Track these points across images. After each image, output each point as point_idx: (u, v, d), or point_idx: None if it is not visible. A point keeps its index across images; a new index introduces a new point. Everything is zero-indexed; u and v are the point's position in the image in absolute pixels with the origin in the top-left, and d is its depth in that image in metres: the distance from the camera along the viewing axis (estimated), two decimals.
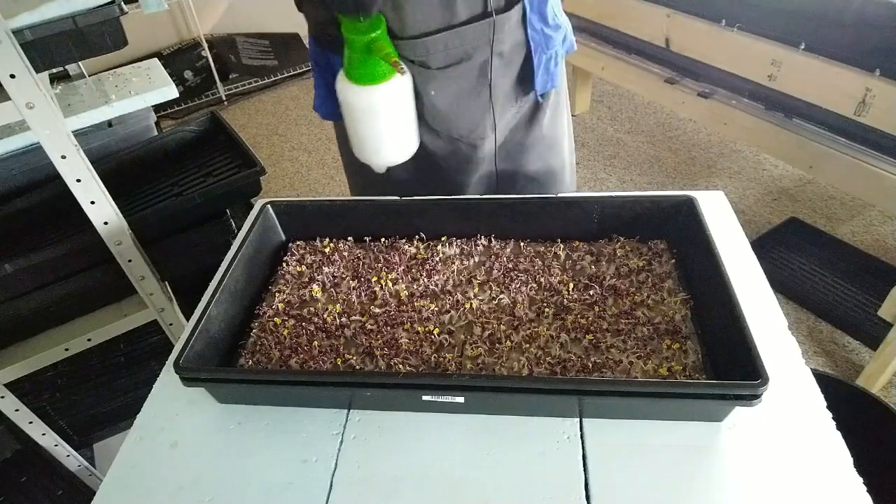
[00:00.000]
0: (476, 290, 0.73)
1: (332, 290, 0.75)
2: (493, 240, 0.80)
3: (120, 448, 0.62)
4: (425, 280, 0.74)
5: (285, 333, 0.69)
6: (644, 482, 0.54)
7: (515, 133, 0.93)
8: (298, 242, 0.83)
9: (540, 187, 1.00)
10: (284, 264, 0.80)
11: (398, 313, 0.70)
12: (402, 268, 0.76)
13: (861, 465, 0.53)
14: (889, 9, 1.39)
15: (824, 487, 0.52)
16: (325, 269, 0.77)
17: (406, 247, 0.80)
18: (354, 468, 0.58)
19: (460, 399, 0.58)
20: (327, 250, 0.81)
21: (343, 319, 0.71)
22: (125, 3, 0.96)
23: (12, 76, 0.76)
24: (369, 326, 0.69)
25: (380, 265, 0.77)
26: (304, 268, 0.79)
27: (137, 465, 0.60)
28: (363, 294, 0.74)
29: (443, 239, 0.80)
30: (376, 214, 0.81)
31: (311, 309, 0.72)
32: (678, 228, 0.74)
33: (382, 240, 0.82)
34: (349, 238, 0.82)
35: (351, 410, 0.63)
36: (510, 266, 0.75)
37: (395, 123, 0.81)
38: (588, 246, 0.77)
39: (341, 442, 0.60)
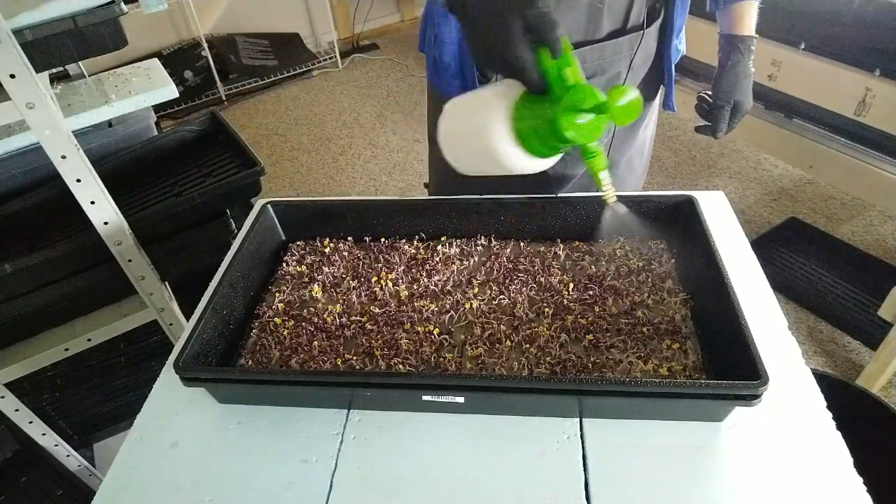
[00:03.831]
0: (476, 290, 0.73)
1: (332, 290, 0.75)
2: (492, 240, 0.79)
3: (120, 448, 0.62)
4: (425, 280, 0.74)
5: (285, 333, 0.69)
6: (644, 482, 0.54)
7: (622, 132, 0.95)
8: (298, 242, 0.83)
9: (620, 175, 1.02)
10: (284, 264, 0.79)
11: (398, 313, 0.70)
12: (402, 268, 0.76)
13: (861, 465, 0.53)
14: (889, 9, 1.39)
15: (824, 487, 0.52)
16: (325, 269, 0.77)
17: (406, 247, 0.80)
18: (354, 468, 0.58)
19: (460, 399, 0.58)
20: (327, 250, 0.81)
21: (343, 320, 0.70)
22: (125, 3, 0.96)
23: (12, 76, 0.76)
24: (369, 327, 0.69)
25: (380, 265, 0.77)
26: (304, 268, 0.79)
27: (137, 465, 0.60)
28: (363, 294, 0.74)
29: (442, 239, 0.80)
30: (376, 214, 0.81)
31: (311, 309, 0.72)
32: (678, 228, 0.74)
33: (382, 240, 0.82)
34: (349, 238, 0.82)
35: (351, 410, 0.63)
36: (510, 266, 0.75)
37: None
38: (588, 246, 0.77)
39: (341, 442, 0.60)
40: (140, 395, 0.67)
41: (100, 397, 1.30)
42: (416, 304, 0.71)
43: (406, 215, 0.80)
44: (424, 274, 0.75)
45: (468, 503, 0.54)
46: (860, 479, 0.52)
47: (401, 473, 0.57)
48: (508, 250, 0.78)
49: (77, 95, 1.20)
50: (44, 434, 1.17)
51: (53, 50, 0.91)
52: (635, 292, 0.70)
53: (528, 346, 0.65)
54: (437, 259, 0.77)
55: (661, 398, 0.55)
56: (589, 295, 0.70)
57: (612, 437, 0.58)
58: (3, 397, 1.07)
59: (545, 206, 0.77)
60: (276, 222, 0.82)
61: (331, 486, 0.56)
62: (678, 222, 0.74)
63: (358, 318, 0.70)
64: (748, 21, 0.86)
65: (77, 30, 0.92)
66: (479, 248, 0.78)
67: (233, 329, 0.69)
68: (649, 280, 0.71)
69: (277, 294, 0.75)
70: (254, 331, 0.71)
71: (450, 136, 0.65)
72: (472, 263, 0.77)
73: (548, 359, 0.63)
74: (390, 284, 0.74)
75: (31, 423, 1.14)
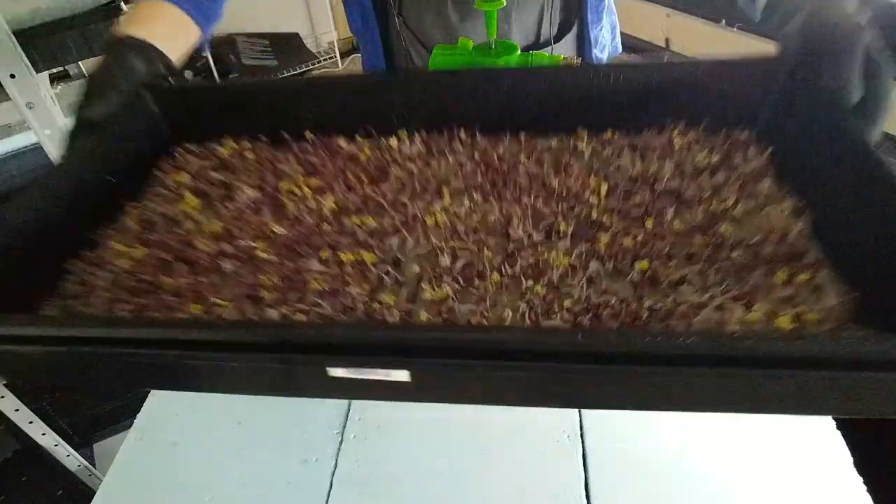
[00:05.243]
0: (448, 200, 0.48)
1: (218, 204, 0.50)
2: (478, 133, 0.53)
3: (120, 448, 0.62)
4: (366, 189, 0.49)
5: (126, 267, 0.44)
6: (644, 482, 0.54)
7: None
8: (188, 144, 0.56)
9: None
10: (159, 171, 0.54)
11: (313, 236, 0.45)
12: (331, 170, 0.51)
13: (861, 466, 0.53)
14: (889, 9, 1.39)
15: (824, 487, 0.52)
16: (213, 175, 0.52)
17: (344, 144, 0.54)
18: (354, 467, 0.57)
19: (403, 375, 0.32)
20: (227, 152, 0.55)
21: (223, 245, 0.45)
22: (125, 3, 0.97)
23: (12, 76, 0.77)
24: (263, 255, 0.44)
25: (300, 169, 0.52)
26: (184, 176, 0.53)
27: (137, 465, 0.60)
28: (265, 209, 0.49)
29: (400, 133, 0.54)
30: (302, 99, 0.55)
31: (178, 231, 0.47)
32: (775, 110, 0.48)
33: (310, 135, 0.55)
34: (261, 137, 0.56)
35: (351, 410, 0.63)
36: (504, 169, 0.50)
37: None
38: (627, 138, 0.52)
39: (341, 441, 0.60)
40: (140, 395, 0.67)
41: (100, 397, 1.30)
42: (344, 220, 0.47)
43: (347, 100, 0.55)
44: (365, 179, 0.50)
45: (468, 503, 0.54)
46: (860, 479, 0.52)
47: (401, 473, 0.57)
48: (502, 149, 0.52)
49: (77, 95, 1.20)
50: (44, 434, 1.17)
51: (53, 50, 0.92)
52: (712, 197, 0.45)
53: (531, 282, 0.40)
54: (388, 159, 0.52)
55: (799, 370, 0.28)
56: (635, 203, 0.45)
57: (613, 436, 0.58)
58: (2, 397, 1.07)
59: (561, 79, 0.51)
60: (156, 111, 0.55)
61: (331, 485, 0.56)
62: (774, 100, 0.48)
63: (248, 242, 0.45)
64: None
65: (77, 30, 0.92)
66: (457, 146, 0.53)
67: (47, 258, 0.44)
68: (732, 179, 0.46)
69: (132, 211, 0.50)
70: (80, 263, 0.45)
71: None
72: (443, 165, 0.51)
73: (566, 303, 0.39)
74: (308, 194, 0.49)
75: (31, 423, 1.14)
